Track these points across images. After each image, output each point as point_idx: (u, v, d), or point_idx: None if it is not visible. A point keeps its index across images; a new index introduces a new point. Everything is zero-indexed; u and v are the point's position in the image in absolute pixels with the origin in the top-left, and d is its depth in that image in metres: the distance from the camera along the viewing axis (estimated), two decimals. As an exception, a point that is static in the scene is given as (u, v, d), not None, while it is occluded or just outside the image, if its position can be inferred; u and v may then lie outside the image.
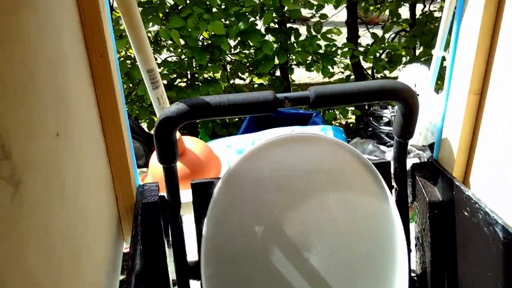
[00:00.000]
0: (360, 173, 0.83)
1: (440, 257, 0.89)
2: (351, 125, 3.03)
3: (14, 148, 0.37)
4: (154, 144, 0.74)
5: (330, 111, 2.60)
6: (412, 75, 0.88)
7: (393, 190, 0.91)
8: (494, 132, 0.74)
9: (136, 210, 0.77)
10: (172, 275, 0.86)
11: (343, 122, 3.13)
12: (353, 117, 2.94)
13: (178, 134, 1.12)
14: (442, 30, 0.79)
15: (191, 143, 1.22)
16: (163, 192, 0.82)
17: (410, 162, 0.92)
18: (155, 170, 1.18)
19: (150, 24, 2.00)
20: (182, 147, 1.16)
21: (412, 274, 0.96)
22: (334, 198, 0.83)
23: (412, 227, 0.96)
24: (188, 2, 2.08)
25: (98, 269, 0.61)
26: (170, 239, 0.84)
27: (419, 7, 2.86)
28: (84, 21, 0.65)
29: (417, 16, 2.88)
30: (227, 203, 0.80)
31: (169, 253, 0.84)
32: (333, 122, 3.08)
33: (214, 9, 2.18)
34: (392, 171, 0.90)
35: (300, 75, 4.18)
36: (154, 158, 1.20)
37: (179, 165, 1.14)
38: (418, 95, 0.91)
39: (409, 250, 0.90)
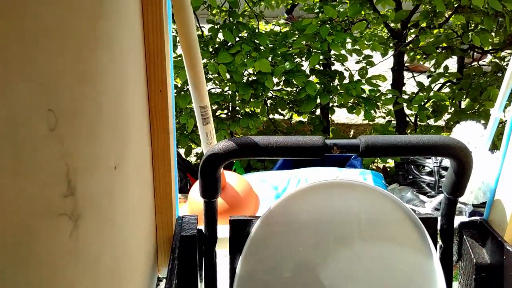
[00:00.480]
0: (404, 226, 0.81)
1: None
2: (389, 169, 2.97)
3: (78, 184, 0.37)
4: (199, 178, 0.75)
5: (369, 156, 2.56)
6: (467, 133, 0.86)
7: (438, 247, 0.88)
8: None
9: (174, 242, 0.78)
10: None
11: (381, 166, 3.08)
12: (392, 162, 2.89)
13: (221, 169, 1.13)
14: (504, 91, 0.78)
15: (232, 179, 1.22)
16: (201, 225, 0.83)
17: (458, 220, 0.89)
18: (194, 202, 1.19)
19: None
20: (223, 182, 1.16)
21: None
22: (373, 249, 0.81)
23: (455, 287, 0.92)
24: (237, 39, 2.15)
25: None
26: (203, 273, 0.84)
27: (467, 61, 2.83)
28: (148, 57, 0.68)
29: (464, 69, 2.85)
30: (263, 243, 0.79)
31: (200, 287, 0.84)
32: (370, 165, 3.04)
33: (262, 47, 2.24)
34: (438, 227, 0.87)
35: (338, 115, 4.18)
36: (194, 190, 1.21)
37: (219, 200, 1.15)
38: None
39: (451, 312, 0.86)
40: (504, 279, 0.79)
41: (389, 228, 0.82)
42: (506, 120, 0.80)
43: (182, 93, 2.24)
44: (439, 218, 0.87)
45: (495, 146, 0.86)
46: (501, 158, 0.81)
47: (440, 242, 0.87)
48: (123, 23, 0.53)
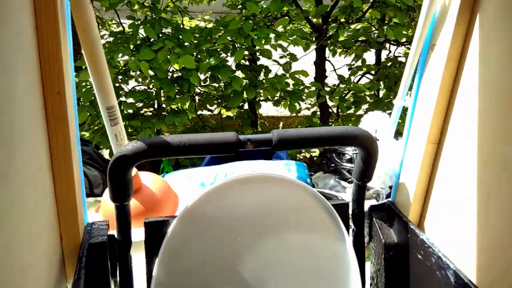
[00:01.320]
0: (319, 214, 0.84)
1: None
2: (315, 159, 3.08)
3: None
4: (107, 181, 0.72)
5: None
6: (373, 122, 0.92)
7: (351, 231, 0.92)
8: (449, 180, 0.78)
9: (82, 250, 0.74)
10: None
11: (308, 155, 3.18)
12: (317, 151, 3.00)
13: (134, 170, 1.09)
14: (404, 82, 0.84)
15: (148, 179, 1.18)
16: (114, 230, 0.79)
17: (368, 203, 0.94)
18: (106, 207, 1.14)
19: (120, 54, 2.00)
20: (138, 183, 1.12)
21: (369, 316, 0.97)
22: (291, 239, 0.84)
23: (368, 266, 0.98)
24: (161, 35, 2.11)
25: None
26: (118, 280, 0.81)
27: (385, 52, 3.00)
28: (42, 59, 0.63)
29: (382, 60, 3.02)
30: (180, 243, 0.78)
31: None
32: (297, 156, 3.13)
33: (187, 43, 2.21)
34: (350, 212, 0.92)
35: (268, 108, 4.25)
36: (106, 194, 1.15)
37: (133, 202, 1.10)
38: (378, 140, 0.95)
39: (365, 292, 0.91)
40: (409, 255, 0.85)
41: (305, 217, 0.85)
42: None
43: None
44: (350, 204, 0.91)
45: (400, 133, 0.92)
46: (404, 144, 0.87)
47: (352, 226, 0.92)
48: (4, 22, 0.50)
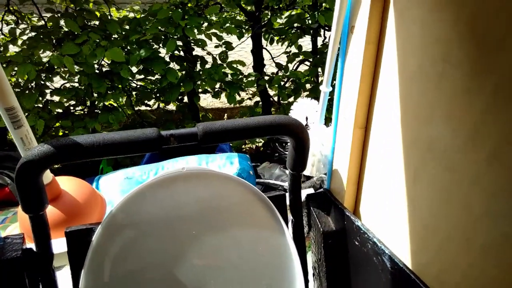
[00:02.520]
0: (255, 207, 0.82)
1: (335, 285, 0.90)
2: (262, 149, 3.07)
3: None
4: (17, 190, 0.65)
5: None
6: (303, 110, 0.90)
7: (290, 222, 0.90)
8: (378, 165, 0.77)
9: None
10: None
11: (253, 146, 3.16)
12: (261, 142, 2.99)
13: (50, 176, 1.00)
14: (328, 68, 0.82)
15: (68, 184, 1.09)
16: (31, 243, 0.73)
17: (305, 193, 0.93)
18: (22, 218, 1.05)
19: (41, 50, 1.85)
20: (57, 190, 1.02)
21: (311, 306, 0.96)
22: (228, 236, 0.80)
23: (310, 256, 0.97)
24: (85, 28, 1.97)
25: None
26: None
27: (320, 39, 3.03)
28: None
29: (318, 46, 3.04)
30: (106, 252, 0.72)
31: None
32: (243, 146, 3.10)
33: (115, 36, 2.09)
34: (288, 202, 0.90)
35: (212, 100, 4.19)
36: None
37: (53, 211, 1.02)
38: (309, 128, 0.93)
39: (307, 281, 0.90)
40: (347, 243, 0.85)
41: (240, 212, 0.81)
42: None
43: (27, 91, 1.99)
44: (287, 194, 0.89)
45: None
46: (333, 130, 0.85)
47: (290, 217, 0.90)
48: None
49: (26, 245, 0.72)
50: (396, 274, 0.70)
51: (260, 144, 3.07)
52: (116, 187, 1.69)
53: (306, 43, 3.01)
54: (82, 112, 2.33)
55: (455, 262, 0.60)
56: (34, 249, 0.71)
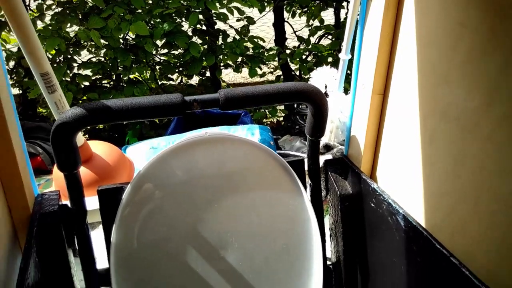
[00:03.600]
0: (274, 171, 0.85)
1: (351, 245, 0.94)
2: (283, 123, 3.10)
3: None
4: (53, 151, 0.70)
5: (260, 111, 2.64)
6: (322, 78, 0.92)
7: (308, 186, 0.94)
8: (395, 130, 0.80)
9: (32, 221, 0.73)
10: (81, 283, 0.82)
11: (275, 120, 3.19)
12: (282, 115, 3.01)
13: (83, 139, 1.07)
14: (347, 35, 0.84)
15: (99, 148, 1.16)
16: (67, 200, 0.78)
17: (323, 158, 0.96)
18: (57, 177, 1.13)
19: (68, 24, 1.90)
20: (88, 153, 1.10)
21: (328, 263, 1.00)
22: (248, 197, 0.84)
23: (327, 219, 1.01)
24: (110, 3, 2.01)
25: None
26: (77, 247, 0.81)
27: (343, 11, 2.99)
28: None
29: (341, 20, 3.02)
30: (136, 208, 0.78)
31: (76, 262, 0.81)
32: (264, 121, 3.13)
33: (139, 10, 2.13)
34: (306, 168, 0.93)
35: (234, 75, 4.21)
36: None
37: (86, 172, 1.10)
38: (328, 96, 0.95)
39: (324, 241, 0.94)
40: (363, 204, 0.88)
41: (260, 176, 0.85)
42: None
43: (55, 65, 2.06)
44: (305, 160, 0.92)
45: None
46: (352, 97, 0.88)
47: (309, 181, 0.93)
48: None
49: (61, 202, 0.78)
50: (410, 232, 0.73)
51: (281, 118, 3.10)
52: (142, 156, 1.76)
53: (329, 16, 2.99)
54: (108, 85, 2.40)
55: (466, 223, 0.63)
56: (69, 205, 0.77)
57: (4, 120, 0.66)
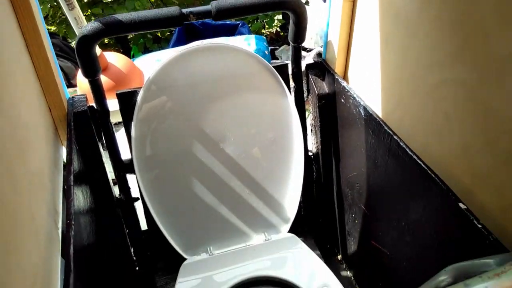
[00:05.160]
0: (263, 75, 0.98)
1: (327, 137, 1.11)
2: (282, 34, 3.15)
3: None
4: (77, 60, 0.84)
5: (257, 22, 2.69)
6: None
7: (292, 88, 1.09)
8: (362, 34, 0.92)
9: (69, 118, 0.90)
10: (110, 174, 1.02)
11: (274, 31, 3.24)
12: (279, 25, 3.05)
13: (99, 51, 1.21)
14: None
15: (113, 58, 1.31)
16: (92, 103, 0.94)
17: (304, 63, 1.09)
18: (82, 84, 1.29)
19: None
20: (105, 62, 1.24)
21: (310, 153, 1.19)
22: (241, 98, 0.99)
23: (309, 119, 1.17)
24: None
25: (41, 162, 0.74)
26: (104, 142, 0.99)
27: None
28: None
29: None
30: (149, 108, 0.93)
31: (105, 154, 0.99)
32: (263, 31, 3.18)
33: None
34: (290, 72, 1.07)
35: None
36: (79, 75, 1.29)
37: (104, 79, 1.25)
38: (308, 4, 1.05)
39: (305, 135, 1.11)
40: (336, 101, 1.03)
41: (250, 79, 0.98)
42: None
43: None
44: (289, 64, 1.06)
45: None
46: (328, 5, 0.98)
47: (292, 84, 1.08)
48: None
49: (88, 104, 0.94)
50: (368, 120, 0.89)
51: (279, 29, 3.14)
52: (148, 67, 1.89)
53: None
54: (110, 0, 2.44)
55: (410, 108, 0.78)
56: (95, 106, 0.93)
57: (39, 33, 0.79)
